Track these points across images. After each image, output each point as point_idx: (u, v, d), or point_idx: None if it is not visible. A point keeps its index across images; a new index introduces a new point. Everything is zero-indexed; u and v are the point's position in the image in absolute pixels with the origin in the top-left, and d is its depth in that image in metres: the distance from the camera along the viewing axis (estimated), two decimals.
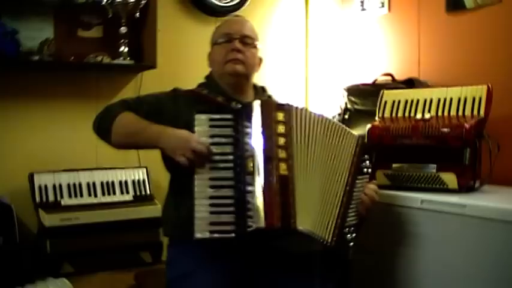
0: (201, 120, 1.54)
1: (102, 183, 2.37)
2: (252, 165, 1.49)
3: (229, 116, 1.55)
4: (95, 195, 2.34)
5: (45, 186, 2.28)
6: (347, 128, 1.68)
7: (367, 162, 1.67)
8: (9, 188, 2.32)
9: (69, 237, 2.16)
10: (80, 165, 2.43)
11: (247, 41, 1.77)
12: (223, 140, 1.53)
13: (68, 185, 2.32)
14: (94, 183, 2.36)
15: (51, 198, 2.27)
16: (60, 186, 2.31)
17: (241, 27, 1.79)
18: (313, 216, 1.52)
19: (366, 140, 1.84)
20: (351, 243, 1.59)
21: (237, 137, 1.53)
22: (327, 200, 1.56)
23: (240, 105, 1.63)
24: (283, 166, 1.49)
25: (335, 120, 1.67)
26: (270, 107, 1.55)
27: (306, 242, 1.56)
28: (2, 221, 2.02)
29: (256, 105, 1.54)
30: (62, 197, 2.29)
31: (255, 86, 1.87)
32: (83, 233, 2.18)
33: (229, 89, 1.77)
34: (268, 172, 1.47)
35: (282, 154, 1.50)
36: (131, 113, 1.67)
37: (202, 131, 1.53)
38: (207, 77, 1.85)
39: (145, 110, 1.69)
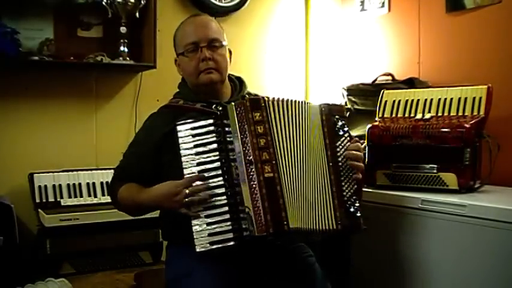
0: (183, 131, 1.52)
1: (102, 183, 2.37)
2: (236, 171, 1.48)
3: (210, 121, 1.53)
4: (95, 196, 2.34)
5: (45, 186, 2.28)
6: (307, 102, 1.61)
7: (339, 122, 1.60)
8: (9, 188, 2.32)
9: (69, 237, 2.15)
10: (80, 165, 2.43)
11: (215, 44, 1.69)
12: (208, 147, 1.51)
13: (68, 185, 2.32)
14: (94, 183, 2.36)
15: (51, 198, 2.27)
16: (60, 186, 2.31)
17: (206, 31, 1.69)
18: (307, 211, 1.51)
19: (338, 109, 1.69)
20: (358, 213, 1.56)
21: (221, 141, 1.51)
22: (317, 187, 1.54)
23: (220, 107, 1.57)
24: (267, 168, 1.47)
25: (294, 98, 1.59)
26: (246, 109, 1.50)
27: (305, 235, 1.57)
28: (2, 221, 2.02)
29: (231, 109, 1.51)
30: (61, 197, 2.29)
31: (230, 79, 1.80)
32: (83, 233, 2.17)
33: (206, 96, 1.71)
34: (251, 178, 1.45)
35: (264, 156, 1.47)
36: (124, 186, 1.66)
37: (186, 143, 1.52)
38: (180, 85, 1.79)
39: (134, 166, 1.69)
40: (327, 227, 1.52)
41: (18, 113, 2.42)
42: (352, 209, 1.55)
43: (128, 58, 2.49)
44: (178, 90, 1.79)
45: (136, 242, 2.30)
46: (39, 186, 2.27)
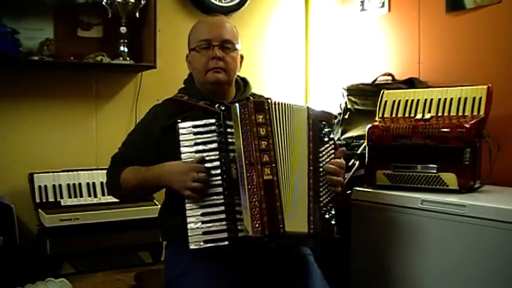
0: (185, 128, 1.54)
1: (102, 183, 2.37)
2: (235, 172, 1.48)
3: (212, 121, 1.54)
4: (95, 195, 2.34)
5: (45, 186, 2.28)
6: (296, 105, 1.61)
7: (326, 128, 1.62)
8: (9, 188, 2.32)
9: (69, 237, 2.16)
10: (80, 165, 2.43)
11: (228, 45, 1.71)
12: (208, 146, 1.53)
13: (68, 185, 2.32)
14: (94, 183, 2.36)
15: (51, 198, 2.27)
16: (60, 186, 2.31)
17: (221, 31, 1.72)
18: (299, 214, 1.50)
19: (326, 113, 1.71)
20: (333, 222, 1.56)
21: (222, 141, 1.52)
22: (298, 190, 1.52)
23: (222, 107, 1.59)
24: (266, 171, 1.47)
25: (285, 101, 1.60)
26: (250, 110, 1.50)
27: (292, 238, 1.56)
28: (2, 221, 2.02)
29: (235, 110, 1.51)
30: (61, 197, 2.29)
31: (235, 79, 1.81)
32: (83, 233, 2.18)
33: (210, 94, 1.73)
34: (251, 179, 1.45)
35: (265, 158, 1.48)
36: (128, 169, 1.67)
37: (187, 140, 1.53)
38: (186, 81, 1.81)
39: (137, 152, 1.70)
40: (300, 230, 1.51)
41: (18, 113, 2.42)
42: (327, 216, 1.55)
43: (128, 58, 2.50)
44: (183, 85, 1.81)
45: (136, 242, 2.30)
46: (39, 186, 2.27)
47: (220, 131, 1.52)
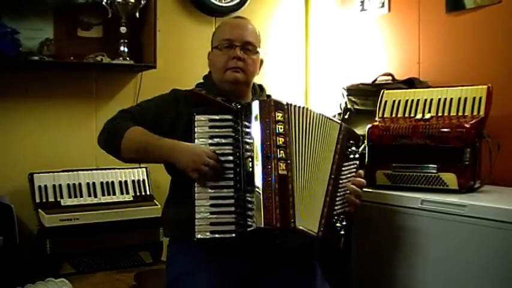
0: (201, 121, 1.56)
1: (102, 183, 2.37)
2: (251, 165, 1.50)
3: (229, 117, 1.57)
4: (95, 196, 2.34)
5: (45, 186, 2.28)
6: (331, 118, 1.68)
7: (354, 147, 1.67)
8: (9, 188, 2.32)
9: (69, 237, 2.15)
10: (80, 165, 2.43)
11: (249, 47, 1.75)
12: (223, 140, 1.55)
13: (68, 185, 2.32)
14: (94, 183, 2.36)
15: (51, 198, 2.26)
16: (60, 186, 2.30)
17: (244, 32, 1.76)
18: (311, 215, 1.52)
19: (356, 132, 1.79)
20: (342, 232, 1.58)
21: (236, 137, 1.55)
22: (315, 193, 1.56)
23: (239, 106, 1.63)
24: (282, 166, 1.49)
25: (321, 112, 1.66)
26: (269, 107, 1.55)
27: (299, 236, 1.57)
28: (2, 221, 2.02)
29: (255, 105, 1.55)
30: (61, 197, 2.28)
31: (252, 85, 1.86)
32: (83, 233, 2.18)
33: (228, 93, 1.75)
34: (267, 172, 1.47)
35: (281, 154, 1.50)
36: (139, 127, 1.65)
37: (202, 132, 1.55)
38: (205, 77, 1.84)
39: (149, 119, 1.70)
40: (310, 229, 1.52)
41: (18, 113, 2.42)
42: (338, 224, 1.57)
43: (128, 58, 2.49)
44: (202, 81, 1.83)
45: (136, 242, 2.30)
46: (39, 186, 2.27)
47: (235, 127, 1.56)
